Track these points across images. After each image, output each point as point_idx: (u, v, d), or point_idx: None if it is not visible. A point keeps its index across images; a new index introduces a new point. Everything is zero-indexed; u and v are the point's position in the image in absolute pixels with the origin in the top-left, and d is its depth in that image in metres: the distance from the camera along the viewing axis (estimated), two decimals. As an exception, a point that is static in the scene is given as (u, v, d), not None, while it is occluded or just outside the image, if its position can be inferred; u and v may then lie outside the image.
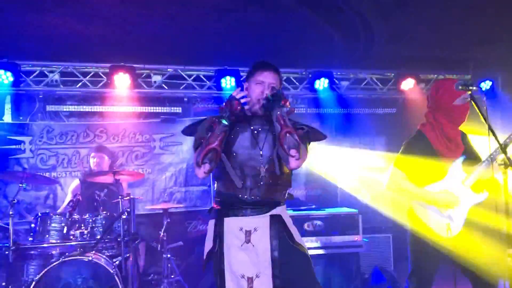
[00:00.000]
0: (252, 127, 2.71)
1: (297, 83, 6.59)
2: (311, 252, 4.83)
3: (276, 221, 2.63)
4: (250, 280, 2.53)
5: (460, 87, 2.87)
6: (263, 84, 2.72)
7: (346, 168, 6.42)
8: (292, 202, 6.17)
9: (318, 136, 2.83)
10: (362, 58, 6.02)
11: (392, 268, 5.76)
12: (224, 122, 2.54)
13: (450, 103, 3.19)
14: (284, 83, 6.54)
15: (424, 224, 3.18)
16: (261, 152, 2.66)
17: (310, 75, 6.39)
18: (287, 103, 2.53)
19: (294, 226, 2.74)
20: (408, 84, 6.49)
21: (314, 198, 6.59)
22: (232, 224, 2.62)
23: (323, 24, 4.99)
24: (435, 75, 6.80)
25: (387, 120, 6.87)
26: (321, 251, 4.88)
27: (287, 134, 2.43)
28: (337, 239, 4.90)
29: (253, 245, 2.57)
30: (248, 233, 2.59)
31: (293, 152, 2.46)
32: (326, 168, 6.49)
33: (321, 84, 6.29)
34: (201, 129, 2.72)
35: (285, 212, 2.75)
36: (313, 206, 5.44)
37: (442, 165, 3.20)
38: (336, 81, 6.51)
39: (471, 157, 3.27)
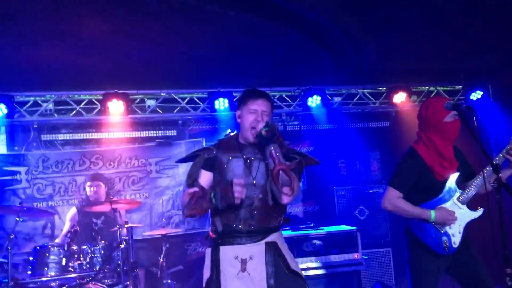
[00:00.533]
0: (244, 156, 2.72)
1: (290, 101, 6.63)
2: (311, 272, 4.88)
3: (271, 248, 2.65)
4: None
5: (449, 108, 2.90)
6: (256, 112, 2.72)
7: (343, 182, 6.43)
8: (291, 221, 6.25)
9: (311, 163, 2.86)
10: (353, 74, 6.08)
11: (394, 283, 5.76)
12: (214, 203, 2.50)
13: (440, 120, 3.20)
14: (277, 101, 6.59)
15: (422, 241, 3.19)
16: (254, 182, 2.67)
17: (302, 93, 6.43)
18: (280, 138, 2.52)
19: (290, 249, 2.76)
20: (400, 97, 6.53)
21: (312, 214, 6.59)
22: (228, 253, 2.64)
23: (313, 44, 5.05)
24: (427, 87, 6.86)
25: (381, 133, 6.90)
26: (321, 271, 4.87)
27: (280, 172, 2.39)
28: (337, 258, 4.90)
29: (249, 274, 2.58)
30: (243, 262, 2.61)
31: (286, 190, 2.43)
32: (323, 184, 6.50)
33: (314, 101, 6.33)
34: (195, 167, 2.75)
35: (281, 238, 2.76)
36: (312, 224, 5.43)
37: (437, 182, 3.22)
38: (328, 97, 6.55)
39: (466, 173, 3.29)
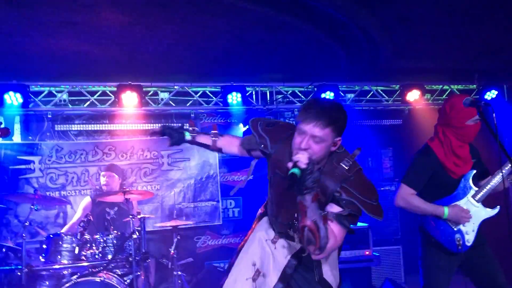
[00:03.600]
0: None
1: (303, 97, 6.63)
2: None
3: (306, 255, 2.40)
4: (257, 272, 2.47)
5: (467, 104, 2.88)
6: (303, 135, 2.22)
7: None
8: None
9: (371, 213, 2.32)
10: (367, 71, 6.05)
11: (403, 281, 5.75)
12: None
13: (462, 123, 3.17)
14: (290, 96, 6.59)
15: (434, 239, 3.19)
16: (288, 198, 2.35)
17: (315, 89, 6.42)
18: (313, 191, 2.08)
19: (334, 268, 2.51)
20: (413, 95, 6.51)
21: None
22: (266, 225, 2.62)
23: (327, 39, 5.03)
24: (441, 86, 6.82)
25: (393, 131, 6.88)
26: (331, 266, 4.86)
27: (305, 229, 2.11)
28: (348, 253, 4.89)
29: (275, 248, 2.49)
30: (276, 237, 2.53)
31: (311, 248, 2.17)
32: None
33: (327, 97, 6.31)
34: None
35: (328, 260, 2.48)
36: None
37: (451, 180, 3.21)
38: (341, 93, 6.54)
39: (481, 171, 3.28)
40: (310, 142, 2.21)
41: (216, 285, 2.68)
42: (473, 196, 3.18)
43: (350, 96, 6.71)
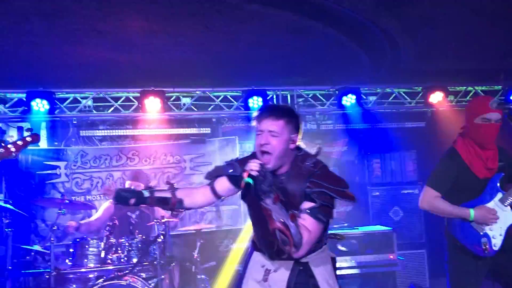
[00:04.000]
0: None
1: (324, 100, 6.62)
2: (345, 272, 4.87)
3: (301, 268, 2.46)
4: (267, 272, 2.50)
5: (495, 106, 2.83)
6: (261, 134, 2.38)
7: (377, 183, 6.37)
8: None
9: (343, 198, 2.39)
10: (390, 74, 6.01)
11: (428, 285, 5.68)
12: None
13: (471, 121, 3.16)
14: (311, 100, 6.58)
15: (460, 243, 3.14)
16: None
17: (337, 92, 6.41)
18: (271, 194, 2.19)
19: (330, 270, 2.52)
20: (436, 97, 6.44)
21: (345, 214, 6.56)
22: (257, 258, 2.60)
23: (349, 42, 5.02)
24: (465, 87, 6.73)
25: (416, 134, 6.81)
26: (355, 271, 4.85)
27: (276, 231, 2.17)
28: (372, 258, 4.86)
29: (269, 286, 2.48)
30: (267, 272, 2.50)
31: (287, 248, 2.21)
32: (357, 184, 6.46)
33: (348, 100, 6.30)
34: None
35: (319, 258, 2.50)
36: (345, 224, 5.41)
37: (477, 182, 3.16)
38: (363, 96, 6.51)
39: (510, 174, 3.22)
40: (268, 138, 2.35)
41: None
42: (501, 200, 3.12)
43: (372, 98, 6.67)
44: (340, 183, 2.40)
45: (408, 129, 6.84)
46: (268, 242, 2.42)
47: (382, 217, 5.95)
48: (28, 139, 2.98)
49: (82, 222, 5.19)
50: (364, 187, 6.23)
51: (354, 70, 5.91)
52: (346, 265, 4.81)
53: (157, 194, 2.62)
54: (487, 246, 3.04)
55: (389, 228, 5.05)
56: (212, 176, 2.64)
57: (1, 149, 2.85)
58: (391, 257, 4.87)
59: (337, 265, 4.67)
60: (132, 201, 2.58)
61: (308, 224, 2.27)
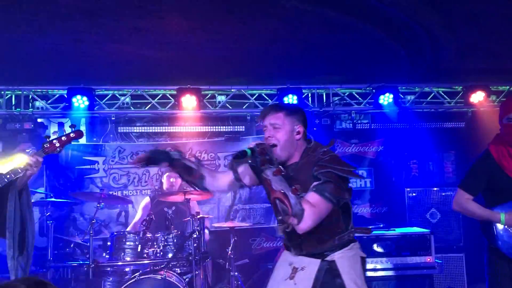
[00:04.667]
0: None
1: (360, 98, 6.53)
2: (380, 273, 4.78)
3: (328, 266, 2.42)
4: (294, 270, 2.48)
5: None
6: (266, 129, 2.50)
7: (414, 184, 6.23)
8: (357, 221, 6.12)
9: (345, 175, 2.38)
10: (429, 72, 5.87)
11: (466, 290, 5.52)
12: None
13: (500, 122, 3.12)
14: (347, 98, 6.50)
15: (493, 245, 3.07)
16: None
17: (374, 90, 6.31)
18: (270, 164, 2.24)
19: (356, 270, 2.45)
20: (477, 97, 6.25)
21: (380, 215, 6.46)
22: (285, 257, 2.59)
23: (388, 40, 4.93)
24: (508, 87, 6.50)
25: (455, 134, 6.62)
26: (391, 272, 4.75)
27: (276, 201, 2.19)
28: (408, 260, 4.76)
29: (295, 283, 2.44)
30: (294, 270, 2.48)
31: (288, 219, 2.21)
32: (393, 185, 6.34)
33: (386, 99, 6.19)
34: None
35: (346, 256, 2.44)
36: (381, 225, 5.31)
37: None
38: (401, 95, 6.39)
39: None
40: (272, 132, 2.46)
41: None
42: None
43: (410, 98, 6.52)
44: (347, 165, 2.40)
45: (447, 130, 6.65)
46: (278, 222, 2.38)
47: (419, 219, 5.82)
48: (72, 135, 3.05)
49: (128, 229, 5.29)
50: (401, 187, 6.10)
51: (392, 68, 5.81)
52: (381, 266, 4.72)
53: (184, 161, 2.68)
54: None
55: (427, 230, 4.93)
56: (234, 165, 2.65)
57: (47, 144, 2.94)
58: (429, 259, 4.75)
59: (373, 266, 4.60)
60: (162, 162, 2.63)
61: (311, 198, 2.27)
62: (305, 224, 2.23)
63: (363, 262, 2.51)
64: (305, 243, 2.44)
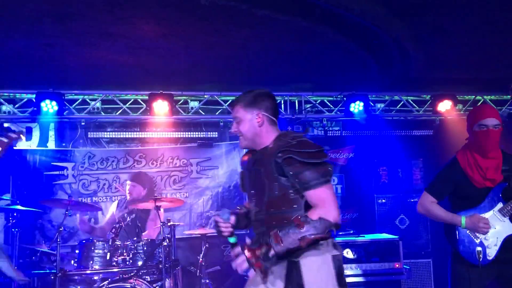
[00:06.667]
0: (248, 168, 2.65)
1: (332, 106, 6.62)
2: (350, 279, 4.83)
3: (293, 267, 2.35)
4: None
5: None
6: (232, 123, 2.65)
7: (383, 190, 6.35)
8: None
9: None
10: (398, 81, 6.00)
11: (433, 295, 5.64)
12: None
13: (470, 130, 3.20)
14: (319, 106, 6.59)
15: (453, 249, 3.16)
16: (252, 192, 2.58)
17: (345, 98, 6.40)
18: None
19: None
20: (445, 106, 6.42)
21: (350, 221, 6.54)
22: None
23: (358, 49, 5.02)
24: (473, 96, 6.70)
25: (424, 142, 6.79)
26: (360, 279, 4.82)
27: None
28: (377, 266, 4.83)
29: (268, 287, 2.42)
30: (266, 273, 2.39)
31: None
32: (363, 191, 6.44)
33: (356, 107, 6.29)
34: None
35: (313, 260, 2.34)
36: (351, 231, 5.38)
37: (477, 191, 3.15)
38: (371, 103, 6.50)
39: None
40: (235, 125, 2.56)
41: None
42: (500, 210, 3.11)
43: (380, 106, 6.66)
44: (316, 147, 2.40)
45: (415, 137, 6.81)
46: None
47: (388, 225, 5.92)
48: (13, 135, 2.87)
49: (97, 226, 5.20)
50: (371, 194, 6.20)
51: (363, 77, 5.91)
52: (351, 272, 4.78)
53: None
54: (481, 255, 3.02)
55: (396, 237, 5.02)
56: None
57: None
58: (397, 265, 4.84)
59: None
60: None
61: (312, 198, 2.32)
62: (332, 214, 2.27)
63: (336, 261, 2.40)
64: (266, 236, 2.34)
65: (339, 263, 2.41)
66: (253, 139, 2.53)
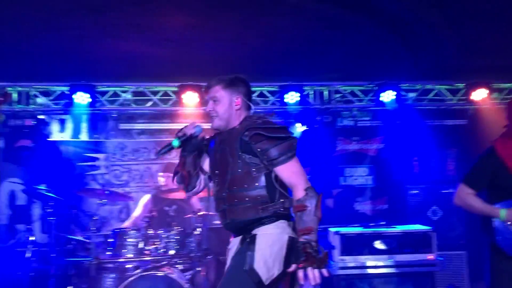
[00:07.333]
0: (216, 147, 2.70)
1: (362, 96, 6.52)
2: (381, 270, 4.78)
3: (249, 240, 2.41)
4: None
5: None
6: (208, 102, 2.68)
7: (415, 181, 6.22)
8: (358, 218, 6.14)
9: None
10: (431, 69, 5.85)
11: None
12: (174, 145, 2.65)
13: (510, 118, 3.09)
14: (349, 95, 6.49)
15: (491, 241, 3.05)
16: (216, 172, 2.63)
17: (376, 88, 6.29)
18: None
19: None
20: (480, 94, 6.23)
21: (381, 212, 6.45)
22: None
23: (391, 37, 4.91)
24: (510, 84, 6.48)
25: (457, 132, 6.61)
26: (392, 270, 4.75)
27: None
28: (410, 257, 4.76)
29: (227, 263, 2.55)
30: (228, 250, 2.60)
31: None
32: (395, 182, 6.33)
33: (388, 96, 6.17)
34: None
35: (268, 234, 2.41)
36: (383, 223, 5.31)
37: None
38: (403, 93, 6.37)
39: None
40: (212, 105, 2.62)
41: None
42: None
43: (412, 95, 6.51)
44: (281, 128, 2.50)
45: (448, 127, 6.65)
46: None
47: (420, 217, 5.80)
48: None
49: (127, 223, 5.29)
50: (402, 185, 6.08)
51: (394, 65, 5.78)
52: (383, 264, 4.72)
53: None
54: None
55: (429, 228, 4.93)
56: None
57: None
58: (430, 257, 4.75)
59: (374, 263, 4.56)
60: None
61: (282, 172, 2.42)
62: (306, 184, 2.39)
63: (290, 242, 2.42)
64: (229, 211, 2.48)
65: (293, 246, 2.42)
66: (227, 120, 2.58)
